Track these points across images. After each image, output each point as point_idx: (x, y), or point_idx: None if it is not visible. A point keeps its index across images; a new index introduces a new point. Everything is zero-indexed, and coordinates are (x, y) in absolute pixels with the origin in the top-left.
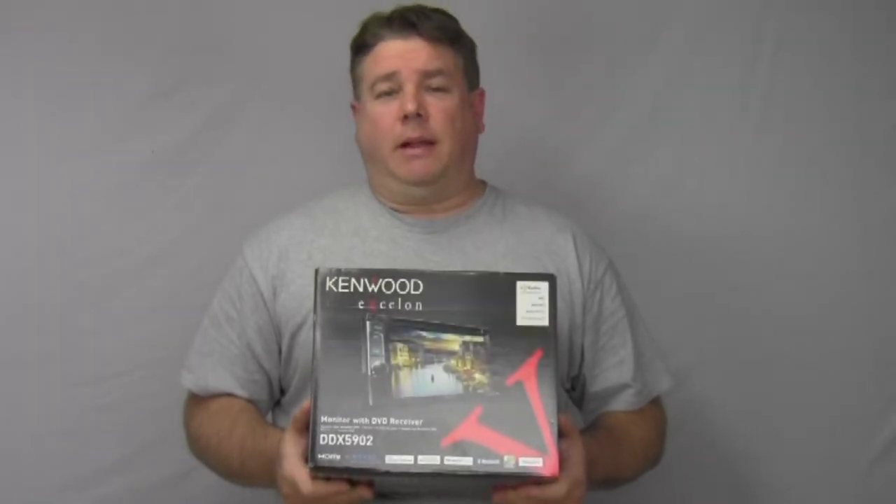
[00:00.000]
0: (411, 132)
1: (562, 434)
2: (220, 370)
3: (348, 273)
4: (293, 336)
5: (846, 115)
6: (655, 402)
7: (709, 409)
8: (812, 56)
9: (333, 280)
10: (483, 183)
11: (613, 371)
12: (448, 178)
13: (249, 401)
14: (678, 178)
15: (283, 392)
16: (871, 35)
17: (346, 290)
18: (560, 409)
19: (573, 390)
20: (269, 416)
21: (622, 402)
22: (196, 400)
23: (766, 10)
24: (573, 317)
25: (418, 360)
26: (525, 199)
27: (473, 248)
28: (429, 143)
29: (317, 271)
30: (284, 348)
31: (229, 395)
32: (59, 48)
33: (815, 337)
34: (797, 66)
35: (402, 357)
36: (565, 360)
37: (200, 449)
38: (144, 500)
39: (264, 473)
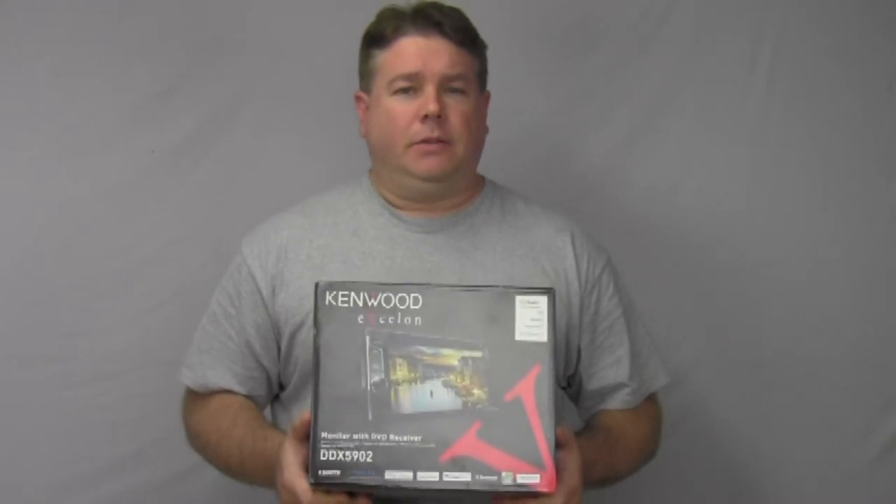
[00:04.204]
0: (430, 132)
1: (559, 444)
2: (218, 367)
3: (348, 287)
4: (293, 335)
5: (847, 113)
6: (651, 398)
7: (708, 408)
8: (812, 54)
9: (333, 294)
10: (481, 178)
11: (610, 370)
12: (456, 178)
13: (248, 397)
14: (678, 176)
15: (282, 387)
16: (871, 35)
17: (346, 305)
18: (557, 421)
19: (569, 387)
20: (268, 411)
21: (618, 401)
22: (195, 397)
23: (766, 9)
24: (570, 317)
25: (417, 375)
26: (524, 196)
27: (471, 247)
28: (444, 142)
29: (317, 285)
30: (284, 347)
31: (228, 391)
32: (60, 48)
33: (814, 337)
34: (798, 64)
35: (401, 372)
36: (562, 359)
37: (200, 445)
38: (144, 500)
39: (264, 474)
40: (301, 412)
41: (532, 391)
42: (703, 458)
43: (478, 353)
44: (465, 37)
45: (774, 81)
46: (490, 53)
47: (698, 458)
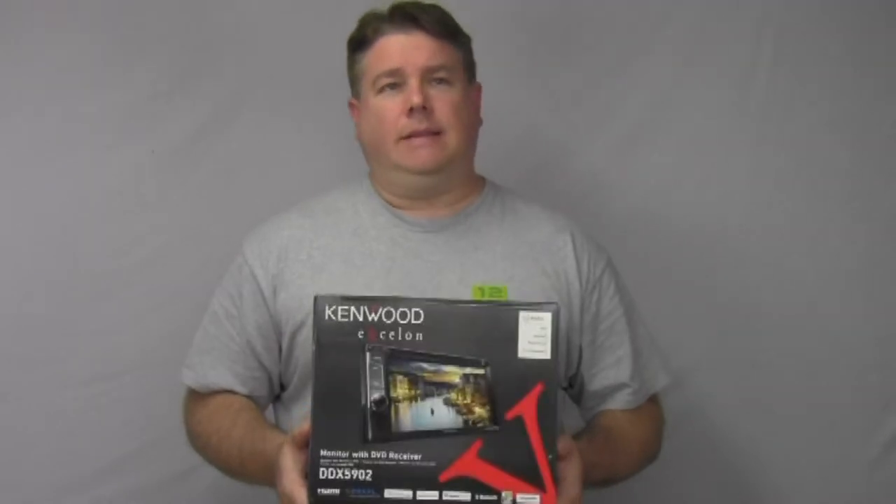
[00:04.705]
0: (417, 124)
1: (559, 456)
2: (220, 367)
3: (348, 301)
4: (293, 335)
5: (847, 114)
6: (653, 399)
7: (709, 409)
8: (812, 56)
9: (332, 309)
10: (482, 179)
11: (611, 370)
12: (451, 169)
13: (249, 397)
14: (678, 177)
15: (283, 387)
16: (871, 35)
17: (346, 319)
18: (559, 431)
19: (571, 388)
20: (270, 410)
21: (620, 401)
22: (196, 397)
23: (766, 10)
24: (571, 317)
25: (418, 392)
26: (524, 197)
27: (472, 248)
28: (434, 133)
29: (316, 299)
30: (284, 347)
31: (229, 391)
32: (60, 48)
33: (815, 337)
34: (797, 65)
35: (401, 389)
36: (563, 360)
37: (201, 446)
38: (144, 500)
39: (264, 474)
40: (302, 418)
41: (534, 410)
42: (703, 459)
43: (480, 371)
44: (444, 28)
45: (774, 81)
46: (489, 54)
47: (698, 458)
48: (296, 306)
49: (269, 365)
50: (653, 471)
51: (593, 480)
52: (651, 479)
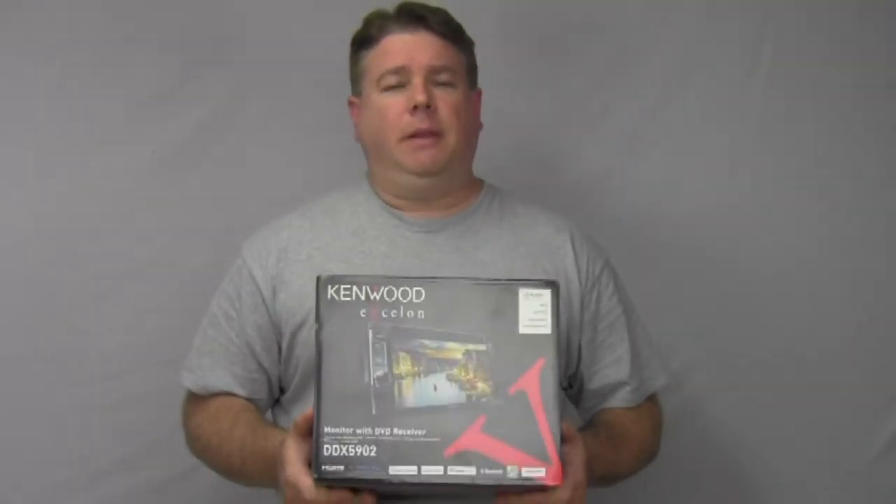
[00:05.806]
0: (420, 123)
1: (563, 439)
2: (219, 369)
3: (349, 281)
4: (293, 335)
5: (847, 115)
6: (652, 399)
7: (709, 409)
8: (813, 56)
9: (335, 288)
10: (480, 181)
11: (611, 368)
12: (451, 171)
13: (249, 400)
14: (678, 178)
15: (282, 391)
16: (872, 35)
17: (348, 298)
18: (562, 416)
19: (570, 388)
20: (270, 415)
21: (619, 400)
22: (195, 400)
23: (767, 10)
24: (571, 315)
25: (421, 368)
26: (522, 198)
27: (471, 247)
28: (435, 134)
29: (318, 279)
30: (284, 347)
31: (229, 394)
32: (59, 48)
33: (814, 337)
34: (798, 66)
35: (404, 366)
36: (563, 359)
37: (200, 448)
38: (144, 500)
39: (265, 473)
40: (303, 411)
41: (536, 384)
42: (703, 459)
43: (482, 347)
44: (449, 30)
45: (775, 82)
46: (488, 56)
47: (697, 458)
48: (296, 305)
49: (268, 366)
50: (652, 471)
51: (595, 474)
52: (650, 479)
